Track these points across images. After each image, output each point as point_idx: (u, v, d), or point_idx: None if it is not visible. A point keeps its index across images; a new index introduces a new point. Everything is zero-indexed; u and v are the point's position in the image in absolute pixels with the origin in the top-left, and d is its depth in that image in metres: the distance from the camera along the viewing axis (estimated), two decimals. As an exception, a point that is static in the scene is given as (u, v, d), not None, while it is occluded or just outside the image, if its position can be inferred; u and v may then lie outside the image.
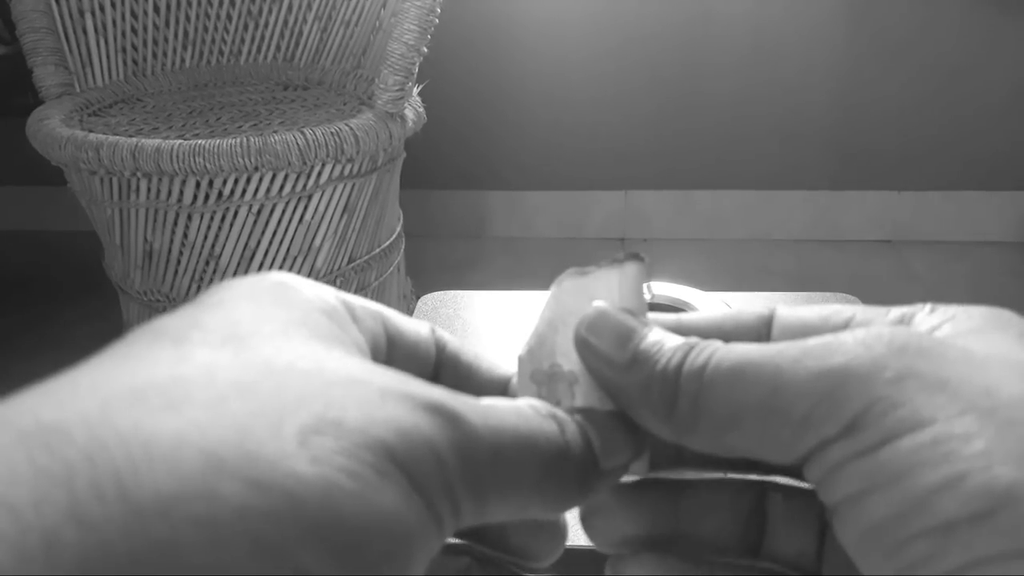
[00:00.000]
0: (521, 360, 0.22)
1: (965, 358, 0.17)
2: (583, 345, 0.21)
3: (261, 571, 0.12)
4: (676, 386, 0.19)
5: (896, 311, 0.20)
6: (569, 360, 0.21)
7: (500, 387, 0.22)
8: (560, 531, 0.21)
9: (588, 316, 0.21)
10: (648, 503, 0.21)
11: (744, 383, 0.18)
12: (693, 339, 0.19)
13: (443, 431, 0.16)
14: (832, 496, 0.17)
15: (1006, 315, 0.19)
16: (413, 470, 0.15)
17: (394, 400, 0.15)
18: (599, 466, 0.19)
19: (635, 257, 0.22)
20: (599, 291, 0.22)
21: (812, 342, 0.18)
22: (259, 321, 0.16)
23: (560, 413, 0.19)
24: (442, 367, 0.22)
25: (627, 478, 0.21)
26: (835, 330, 0.20)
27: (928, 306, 0.20)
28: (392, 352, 0.20)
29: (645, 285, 0.22)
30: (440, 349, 0.22)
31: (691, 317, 0.23)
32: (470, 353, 0.23)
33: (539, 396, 0.21)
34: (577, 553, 0.39)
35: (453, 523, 0.16)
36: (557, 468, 0.18)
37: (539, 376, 0.21)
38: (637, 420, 0.20)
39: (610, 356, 0.20)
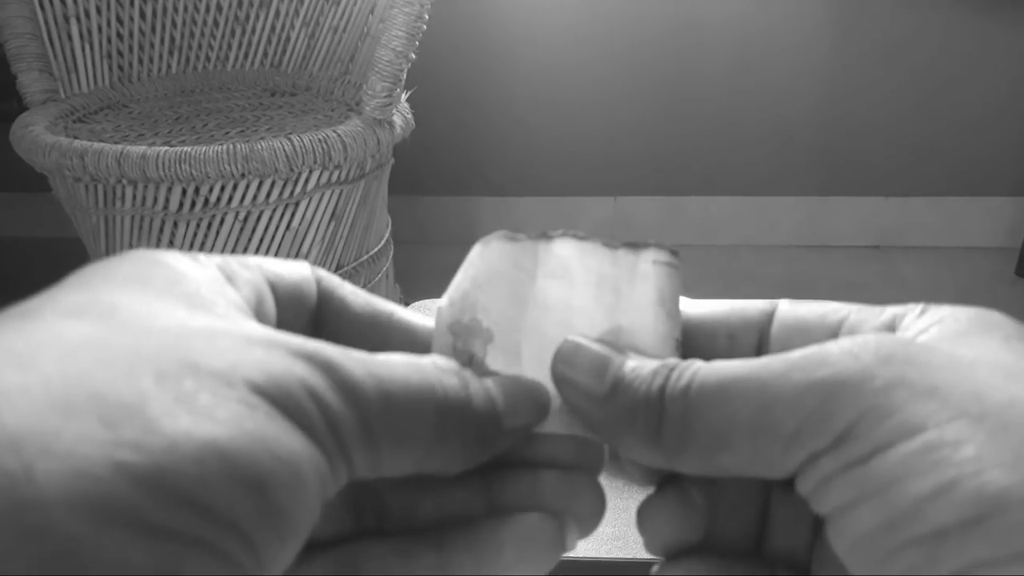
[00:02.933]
0: (440, 311, 0.22)
1: (953, 364, 0.17)
2: (561, 381, 0.20)
3: (126, 499, 0.12)
4: (661, 410, 0.18)
5: (889, 311, 0.20)
6: (489, 317, 0.22)
7: (369, 319, 0.22)
8: (602, 495, 0.21)
9: (563, 350, 0.20)
10: (693, 503, 0.21)
11: (730, 401, 0.18)
12: (672, 360, 0.19)
13: (319, 375, 0.15)
14: (824, 507, 0.17)
15: (994, 317, 0.19)
16: (286, 403, 0.14)
17: (263, 347, 0.15)
18: (501, 424, 0.19)
19: (669, 260, 0.22)
20: (549, 265, 0.22)
21: (797, 354, 0.18)
22: (120, 295, 0.16)
23: (464, 371, 0.19)
24: (323, 300, 0.22)
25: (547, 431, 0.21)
26: (830, 329, 0.21)
27: (919, 307, 0.20)
28: (277, 298, 0.20)
29: (681, 288, 0.22)
30: (318, 282, 0.22)
31: (698, 311, 0.23)
32: (347, 288, 0.23)
33: (454, 347, 0.21)
34: (582, 564, 0.39)
35: (345, 466, 0.16)
36: (456, 422, 0.18)
37: (458, 328, 0.22)
38: (624, 452, 0.20)
39: (589, 388, 0.20)
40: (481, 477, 0.21)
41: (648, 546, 0.22)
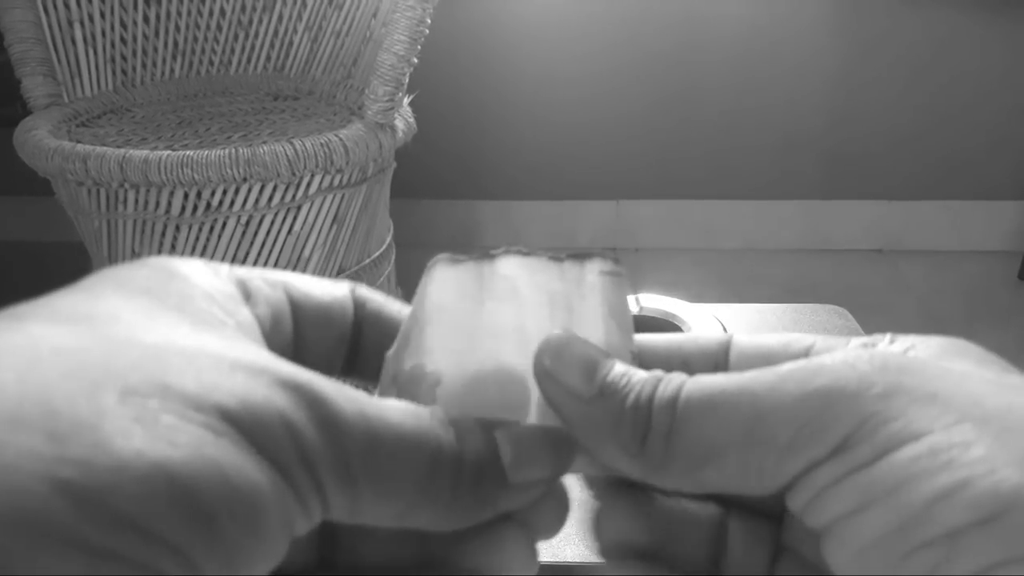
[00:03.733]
0: (387, 360, 0.21)
1: (947, 374, 0.17)
2: (544, 375, 0.19)
3: (63, 516, 0.11)
4: (648, 421, 0.18)
5: (856, 341, 0.20)
6: (434, 360, 0.20)
7: None
8: (565, 499, 0.20)
9: (551, 344, 0.19)
10: (648, 510, 0.21)
11: (719, 415, 0.17)
12: (658, 372, 0.19)
13: (301, 408, 0.15)
14: (822, 518, 0.16)
15: (962, 343, 0.19)
16: (256, 433, 0.14)
17: (245, 373, 0.15)
18: (506, 479, 0.18)
19: (613, 269, 0.21)
20: (479, 287, 0.21)
21: (787, 367, 0.17)
22: (122, 305, 0.16)
23: (465, 422, 0.18)
24: (364, 323, 0.21)
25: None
26: (795, 356, 0.20)
27: (888, 336, 0.20)
28: (299, 319, 0.20)
29: (631, 298, 0.22)
30: (359, 306, 0.21)
31: (651, 339, 0.22)
32: (394, 307, 0.22)
33: (399, 399, 0.20)
34: (560, 568, 0.39)
35: (319, 506, 0.15)
36: (446, 474, 0.17)
37: (401, 378, 0.20)
38: (600, 458, 0.19)
39: (575, 388, 0.19)
40: None
41: (599, 549, 0.21)
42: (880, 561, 0.15)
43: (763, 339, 0.21)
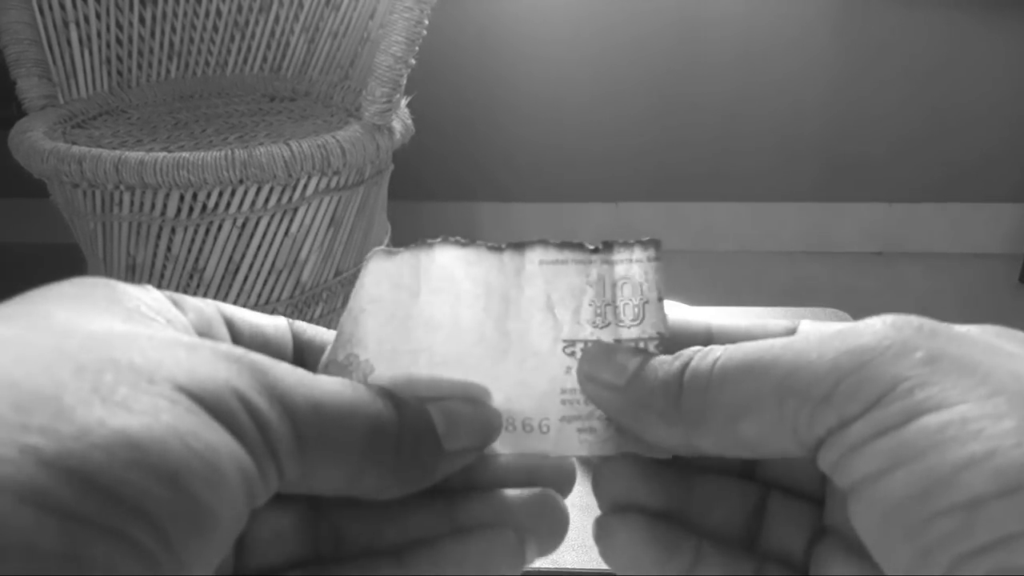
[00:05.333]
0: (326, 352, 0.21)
1: (993, 349, 0.17)
2: (584, 379, 0.21)
3: (35, 480, 0.12)
4: (679, 384, 0.19)
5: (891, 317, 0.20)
6: (367, 350, 0.20)
7: None
8: (563, 513, 0.21)
9: (589, 351, 0.21)
10: (663, 478, 0.21)
11: (760, 369, 0.17)
12: (696, 347, 0.19)
13: (247, 377, 0.15)
14: (850, 477, 0.16)
15: (1009, 331, 0.19)
16: (210, 401, 0.14)
17: (188, 349, 0.15)
18: (442, 448, 0.19)
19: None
20: (443, 278, 0.21)
21: (834, 328, 0.18)
22: (55, 307, 0.16)
23: (399, 396, 0.19)
24: (304, 352, 0.22)
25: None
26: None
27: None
28: (235, 334, 0.20)
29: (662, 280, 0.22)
30: (297, 336, 0.22)
31: (721, 321, 0.22)
32: (329, 336, 0.22)
33: None
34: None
35: (275, 472, 0.15)
36: (386, 441, 0.18)
37: (333, 368, 0.20)
38: (642, 433, 0.20)
39: (611, 382, 0.20)
40: (445, 500, 0.21)
41: (599, 500, 0.21)
42: (901, 524, 0.15)
43: (744, 324, 0.22)
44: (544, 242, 0.21)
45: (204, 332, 0.19)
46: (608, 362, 0.20)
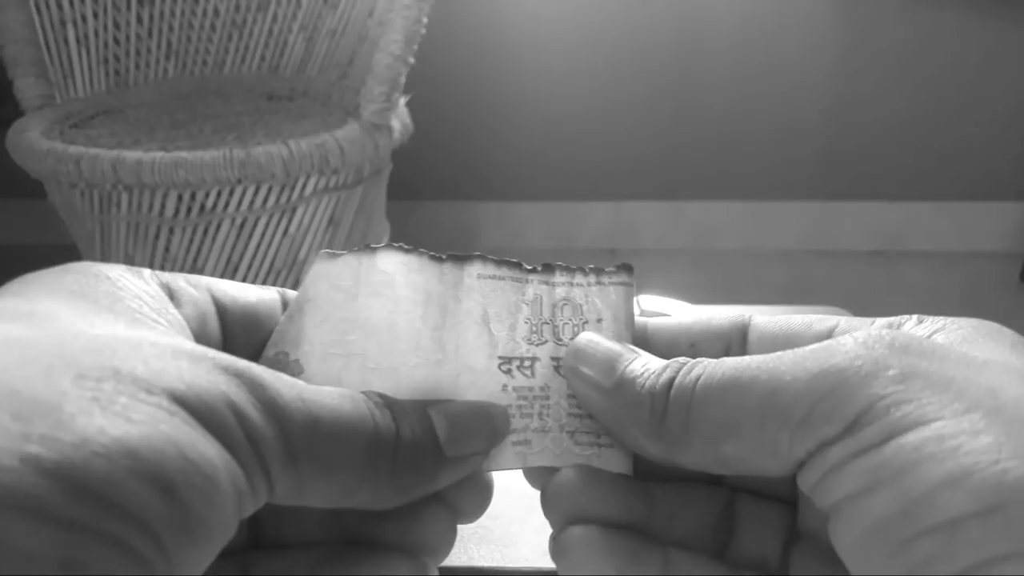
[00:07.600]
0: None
1: (966, 361, 0.16)
2: (571, 372, 0.21)
3: (33, 489, 0.12)
4: (665, 401, 0.19)
5: (882, 321, 0.20)
6: (298, 349, 0.20)
7: None
8: (487, 485, 0.21)
9: (577, 344, 0.21)
10: (618, 488, 0.21)
11: (738, 390, 0.17)
12: (682, 359, 0.19)
13: (243, 391, 0.15)
14: (830, 498, 0.16)
15: (995, 327, 0.19)
16: (205, 414, 0.14)
17: (189, 360, 0.15)
18: (444, 455, 0.19)
19: (625, 271, 0.22)
20: (386, 282, 0.21)
21: (808, 348, 0.17)
22: (59, 306, 0.16)
23: (399, 403, 0.19)
24: None
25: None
26: (820, 336, 0.20)
27: (915, 317, 0.20)
28: (226, 320, 0.20)
29: (635, 299, 0.22)
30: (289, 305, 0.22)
31: (659, 323, 0.22)
32: None
33: None
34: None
35: (265, 485, 0.16)
36: (385, 454, 0.18)
37: (266, 364, 0.20)
38: (627, 443, 0.20)
39: (598, 381, 0.20)
40: None
41: (549, 518, 0.21)
42: (881, 545, 0.15)
43: (785, 319, 0.21)
44: (483, 257, 0.22)
45: (198, 328, 0.19)
46: (593, 356, 0.20)
